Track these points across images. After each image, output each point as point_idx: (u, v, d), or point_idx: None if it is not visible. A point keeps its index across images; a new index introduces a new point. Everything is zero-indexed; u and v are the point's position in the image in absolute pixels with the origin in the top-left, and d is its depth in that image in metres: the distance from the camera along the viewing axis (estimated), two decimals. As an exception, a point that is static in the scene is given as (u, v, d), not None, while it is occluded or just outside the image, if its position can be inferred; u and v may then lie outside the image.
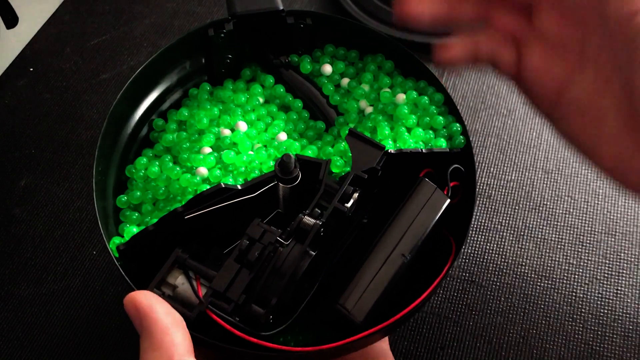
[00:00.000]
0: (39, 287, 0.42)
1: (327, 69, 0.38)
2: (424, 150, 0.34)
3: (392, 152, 0.33)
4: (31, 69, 0.53)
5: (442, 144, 0.35)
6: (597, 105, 0.33)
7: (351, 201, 0.32)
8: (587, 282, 0.42)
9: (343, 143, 0.35)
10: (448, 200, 0.32)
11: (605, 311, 0.40)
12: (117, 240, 0.33)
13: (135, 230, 0.33)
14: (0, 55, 0.53)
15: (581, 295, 0.41)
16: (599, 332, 0.40)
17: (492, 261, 0.41)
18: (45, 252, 0.44)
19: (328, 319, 0.33)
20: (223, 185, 0.32)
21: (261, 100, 0.38)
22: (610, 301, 0.41)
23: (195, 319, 0.30)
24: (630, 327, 0.40)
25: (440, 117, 0.35)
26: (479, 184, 0.46)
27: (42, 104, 0.51)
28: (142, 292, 0.29)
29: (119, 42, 0.55)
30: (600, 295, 0.41)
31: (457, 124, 0.35)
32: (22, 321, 0.41)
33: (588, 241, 0.44)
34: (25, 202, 0.46)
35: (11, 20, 0.51)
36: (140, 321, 0.28)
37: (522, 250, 0.42)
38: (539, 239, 0.43)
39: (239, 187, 0.33)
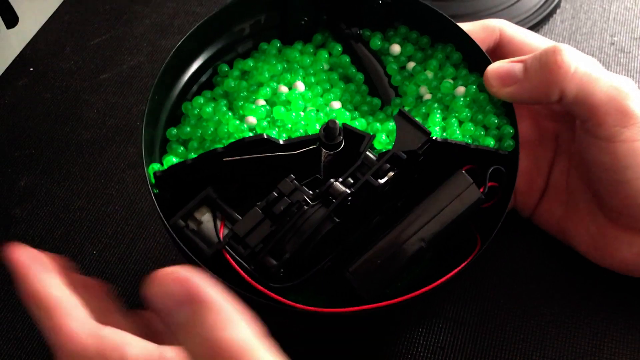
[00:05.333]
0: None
1: (396, 49, 0.38)
2: (470, 145, 0.33)
3: (437, 139, 0.33)
4: (31, 69, 0.53)
5: (490, 142, 0.34)
6: (570, 187, 0.38)
7: (385, 178, 0.32)
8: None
9: (392, 123, 0.35)
10: (481, 197, 0.31)
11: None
12: (155, 166, 0.34)
13: (175, 161, 0.34)
14: (0, 55, 0.53)
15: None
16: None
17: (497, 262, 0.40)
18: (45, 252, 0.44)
19: (342, 290, 0.33)
20: (265, 136, 0.33)
21: (325, 66, 0.39)
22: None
23: (211, 257, 0.31)
24: None
25: (494, 117, 0.35)
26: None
27: (42, 103, 0.51)
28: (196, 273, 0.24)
29: (119, 42, 0.54)
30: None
31: (510, 127, 0.34)
32: (22, 321, 0.40)
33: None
34: (25, 202, 0.45)
35: (11, 20, 0.50)
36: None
37: (534, 251, 0.40)
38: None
39: (281, 142, 0.33)
